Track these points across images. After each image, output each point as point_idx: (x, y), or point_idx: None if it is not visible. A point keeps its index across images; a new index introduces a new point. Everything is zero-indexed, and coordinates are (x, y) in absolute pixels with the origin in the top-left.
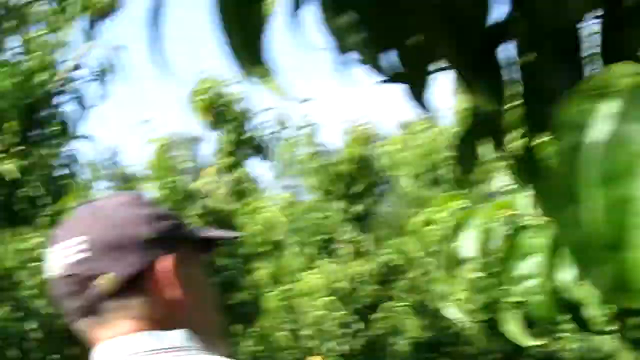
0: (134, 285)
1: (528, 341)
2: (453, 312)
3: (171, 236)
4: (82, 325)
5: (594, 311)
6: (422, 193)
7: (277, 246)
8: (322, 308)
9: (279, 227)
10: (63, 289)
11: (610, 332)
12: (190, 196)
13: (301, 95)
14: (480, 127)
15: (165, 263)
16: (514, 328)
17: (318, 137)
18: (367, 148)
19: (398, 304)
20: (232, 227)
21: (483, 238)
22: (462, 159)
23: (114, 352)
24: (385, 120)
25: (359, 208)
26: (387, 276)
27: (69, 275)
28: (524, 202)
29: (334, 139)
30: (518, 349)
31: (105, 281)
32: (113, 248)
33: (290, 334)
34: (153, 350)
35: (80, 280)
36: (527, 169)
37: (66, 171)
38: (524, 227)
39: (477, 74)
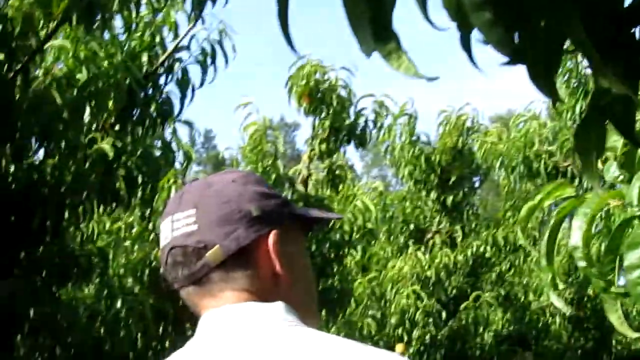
0: (239, 258)
1: (632, 333)
2: (557, 301)
3: (277, 214)
4: (188, 294)
5: None
6: (517, 186)
7: (368, 234)
8: (409, 297)
9: (370, 215)
10: (172, 258)
11: None
12: (283, 182)
13: (430, 73)
14: (606, 113)
15: (270, 239)
16: (617, 319)
17: (415, 125)
18: (463, 139)
19: (485, 296)
20: None
21: (589, 227)
22: (585, 147)
23: (220, 321)
24: (483, 110)
25: (451, 199)
26: (476, 267)
27: (178, 246)
28: (635, 192)
29: (430, 128)
30: (602, 346)
31: (212, 253)
32: (221, 222)
33: (376, 322)
34: (257, 320)
35: (188, 251)
36: None
37: (163, 153)
38: (632, 218)
39: (610, 57)
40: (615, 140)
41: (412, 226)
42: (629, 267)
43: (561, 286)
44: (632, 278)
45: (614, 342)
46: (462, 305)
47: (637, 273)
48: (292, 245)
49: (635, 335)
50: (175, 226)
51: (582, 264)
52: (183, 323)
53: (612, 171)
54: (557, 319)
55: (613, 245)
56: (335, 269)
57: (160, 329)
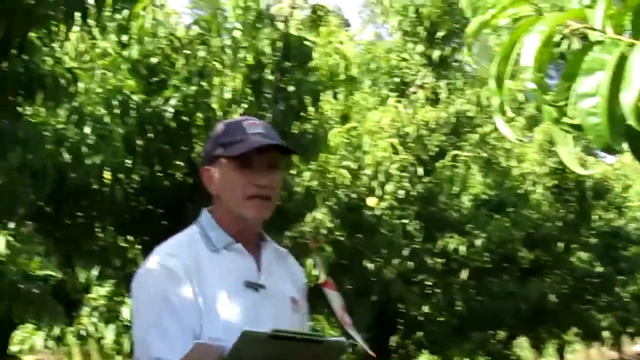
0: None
1: (580, 169)
2: (503, 127)
3: (207, 156)
4: None
5: None
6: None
7: (349, 83)
8: (386, 150)
9: (354, 63)
10: None
11: None
12: (263, 19)
13: None
14: None
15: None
16: (567, 154)
17: None
18: None
19: (464, 155)
20: (304, 55)
21: (544, 46)
22: None
23: None
24: None
25: (438, 53)
26: (458, 127)
27: None
28: (599, 14)
29: None
30: (582, 219)
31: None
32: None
33: (351, 173)
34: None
35: None
36: None
37: None
38: (593, 43)
39: None
40: None
41: (396, 79)
42: (583, 95)
43: (510, 114)
44: (586, 108)
45: (593, 217)
46: (439, 164)
47: (591, 102)
48: (218, 174)
49: (583, 172)
50: None
51: (531, 85)
52: (151, 157)
53: None
54: (539, 188)
55: (570, 71)
56: (312, 114)
57: (131, 162)
